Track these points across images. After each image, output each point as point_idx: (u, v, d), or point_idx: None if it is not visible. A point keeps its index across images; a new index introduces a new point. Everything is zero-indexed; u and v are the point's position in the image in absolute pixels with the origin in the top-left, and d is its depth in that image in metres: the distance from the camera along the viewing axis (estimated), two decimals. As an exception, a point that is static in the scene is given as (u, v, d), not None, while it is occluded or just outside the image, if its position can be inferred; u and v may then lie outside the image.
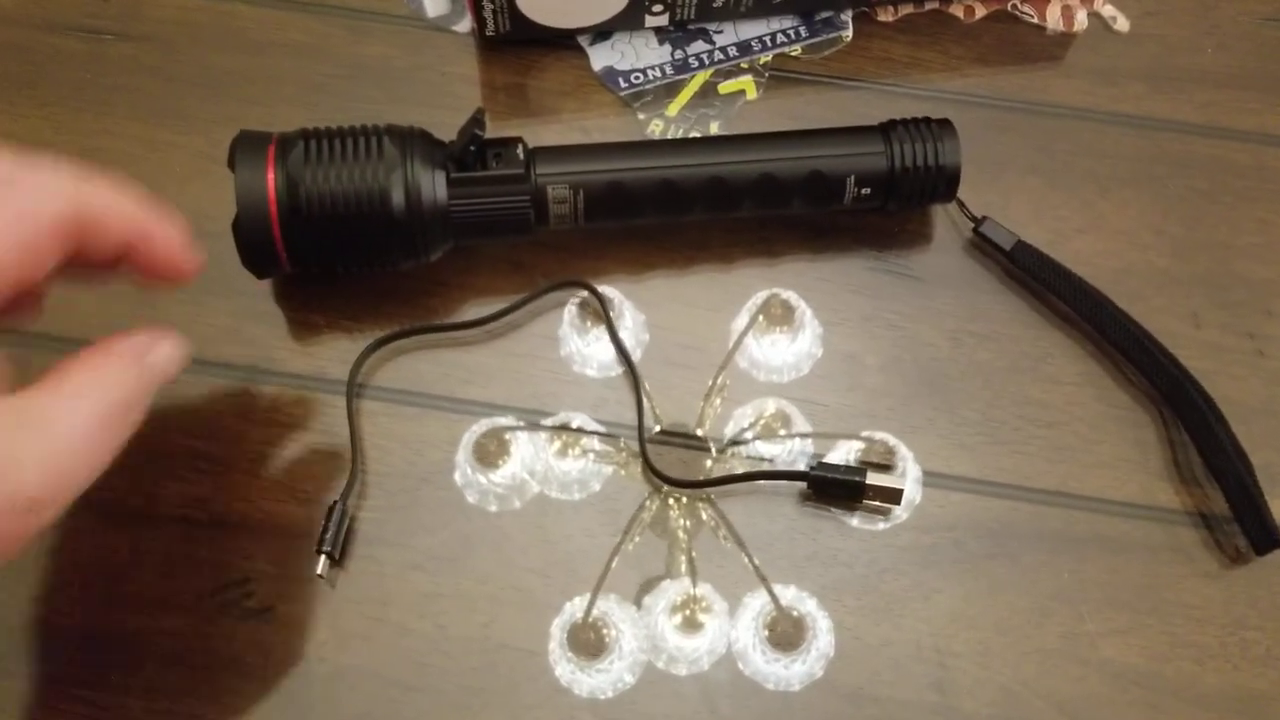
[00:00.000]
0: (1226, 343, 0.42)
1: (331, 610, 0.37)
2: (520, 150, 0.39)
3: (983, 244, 0.42)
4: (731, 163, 0.39)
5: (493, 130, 0.45)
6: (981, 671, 0.37)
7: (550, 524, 0.38)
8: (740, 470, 0.39)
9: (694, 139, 0.40)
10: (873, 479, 0.38)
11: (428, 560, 0.37)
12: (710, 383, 0.40)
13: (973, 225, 0.42)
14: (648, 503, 0.39)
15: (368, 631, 0.36)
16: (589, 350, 0.41)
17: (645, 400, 0.39)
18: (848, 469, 0.38)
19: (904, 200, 0.41)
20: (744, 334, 0.41)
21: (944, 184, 0.40)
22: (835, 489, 0.38)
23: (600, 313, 0.40)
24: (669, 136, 0.44)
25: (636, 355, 0.40)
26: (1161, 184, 0.44)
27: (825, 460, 0.39)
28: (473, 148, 0.38)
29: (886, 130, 0.40)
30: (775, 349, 0.41)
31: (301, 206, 0.36)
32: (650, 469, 0.38)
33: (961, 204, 0.42)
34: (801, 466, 0.39)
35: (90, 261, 0.31)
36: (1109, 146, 0.45)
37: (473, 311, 0.41)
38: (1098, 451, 0.40)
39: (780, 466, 0.39)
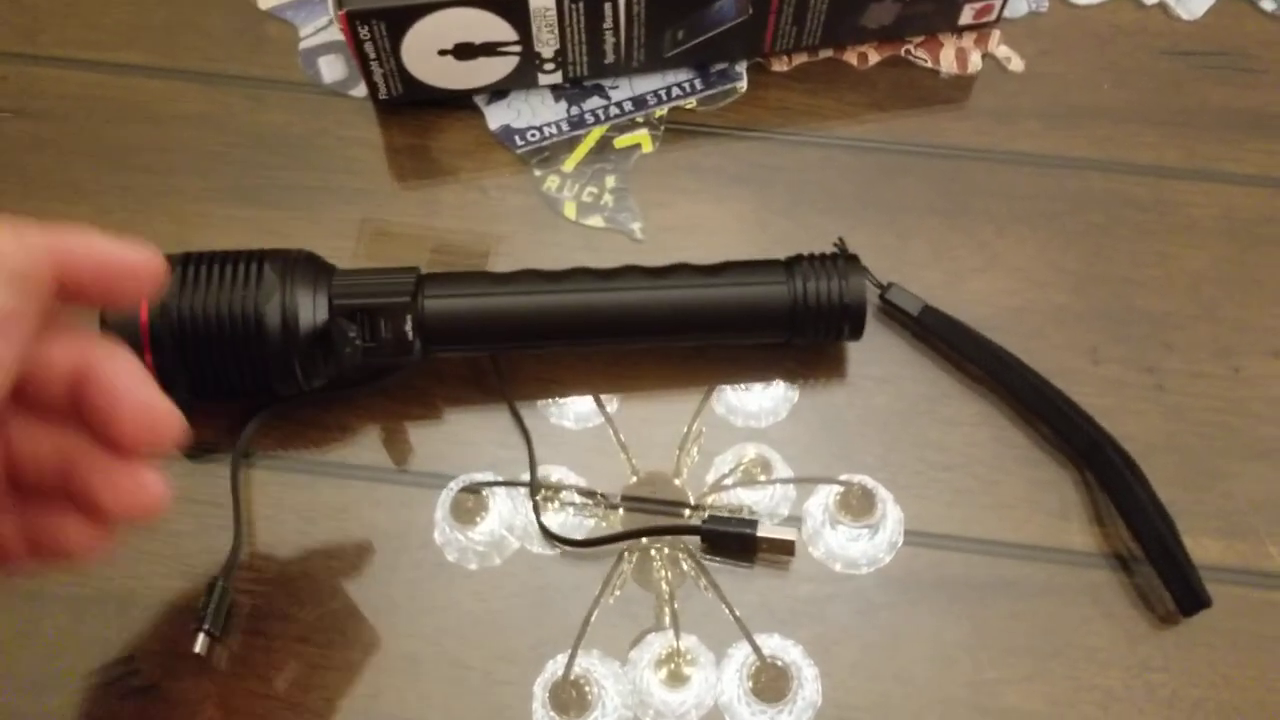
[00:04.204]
0: (1127, 378, 0.41)
1: (218, 687, 0.36)
2: (409, 325, 0.37)
3: (890, 310, 0.42)
4: (632, 310, 0.39)
5: (395, 191, 0.45)
6: (882, 724, 0.36)
7: (532, 580, 0.38)
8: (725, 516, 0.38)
9: (600, 276, 0.39)
10: (764, 530, 0.37)
11: (314, 633, 0.37)
12: (685, 430, 0.40)
13: (880, 292, 0.42)
14: (628, 555, 0.38)
15: (255, 709, 0.36)
16: (565, 404, 0.40)
17: (622, 453, 0.39)
18: (739, 521, 0.38)
19: (808, 339, 0.40)
20: (705, 399, 0.40)
21: (850, 324, 0.39)
22: (728, 542, 0.38)
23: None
24: (565, 194, 0.45)
25: (612, 405, 0.40)
26: (1059, 220, 0.44)
27: (717, 514, 0.38)
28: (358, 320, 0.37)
29: (790, 268, 0.39)
30: (750, 394, 0.41)
31: (174, 332, 0.36)
32: (543, 529, 0.38)
33: (867, 271, 0.40)
34: (785, 511, 0.39)
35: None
36: (1006, 185, 0.45)
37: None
38: (996, 493, 0.39)
39: (765, 508, 0.39)
